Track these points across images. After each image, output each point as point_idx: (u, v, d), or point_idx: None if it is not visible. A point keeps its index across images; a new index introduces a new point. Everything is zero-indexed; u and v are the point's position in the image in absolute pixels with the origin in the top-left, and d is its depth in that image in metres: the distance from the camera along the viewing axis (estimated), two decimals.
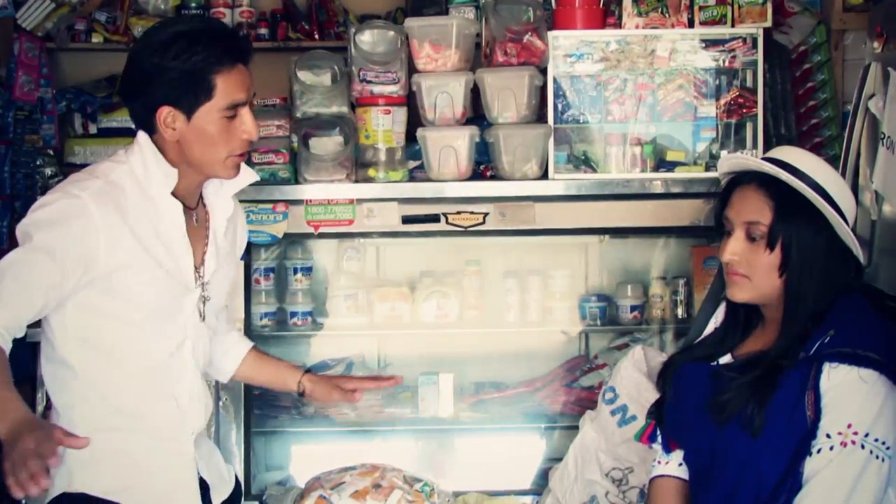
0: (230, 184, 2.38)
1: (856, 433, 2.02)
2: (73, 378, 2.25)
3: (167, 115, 2.21)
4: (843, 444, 2.02)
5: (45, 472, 1.81)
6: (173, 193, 2.27)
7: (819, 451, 2.03)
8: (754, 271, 2.16)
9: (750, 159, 2.23)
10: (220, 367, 2.62)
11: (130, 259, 2.20)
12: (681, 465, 2.37)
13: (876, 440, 2.02)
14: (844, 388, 2.03)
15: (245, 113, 2.25)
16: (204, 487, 2.38)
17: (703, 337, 2.39)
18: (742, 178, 2.22)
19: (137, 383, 2.27)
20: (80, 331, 2.23)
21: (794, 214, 2.13)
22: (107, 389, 2.25)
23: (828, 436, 2.03)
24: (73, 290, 2.16)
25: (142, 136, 2.28)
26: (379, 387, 2.85)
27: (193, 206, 2.35)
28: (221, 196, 2.40)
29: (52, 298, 2.13)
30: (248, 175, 2.41)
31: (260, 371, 2.68)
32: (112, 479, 2.26)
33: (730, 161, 2.27)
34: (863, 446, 2.01)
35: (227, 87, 2.21)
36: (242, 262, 2.63)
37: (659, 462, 2.41)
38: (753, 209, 2.15)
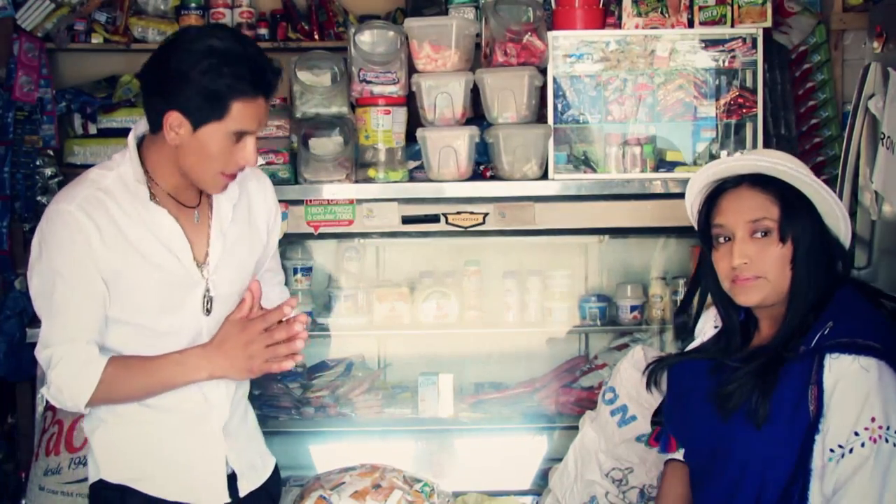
0: None
1: (880, 427, 2.03)
2: None
3: (174, 120, 2.22)
4: (873, 440, 2.02)
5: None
6: (168, 193, 2.31)
7: (851, 450, 2.03)
8: (768, 268, 2.16)
9: (747, 161, 2.23)
10: None
11: (126, 263, 2.25)
12: None
13: None
14: (850, 380, 2.04)
15: (249, 141, 2.27)
16: (232, 476, 2.43)
17: (701, 342, 2.39)
18: (725, 184, 2.23)
19: None
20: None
21: (796, 207, 2.16)
22: None
23: (856, 433, 2.03)
24: None
25: (130, 141, 2.31)
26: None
27: (193, 205, 2.37)
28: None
29: (105, 304, 2.26)
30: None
31: None
32: (137, 469, 2.34)
33: (720, 166, 2.25)
34: (886, 440, 2.03)
35: (241, 114, 2.22)
36: (284, 224, 2.63)
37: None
38: (755, 206, 2.17)
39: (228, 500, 2.41)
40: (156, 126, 2.26)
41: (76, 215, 2.21)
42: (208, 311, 2.36)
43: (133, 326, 2.29)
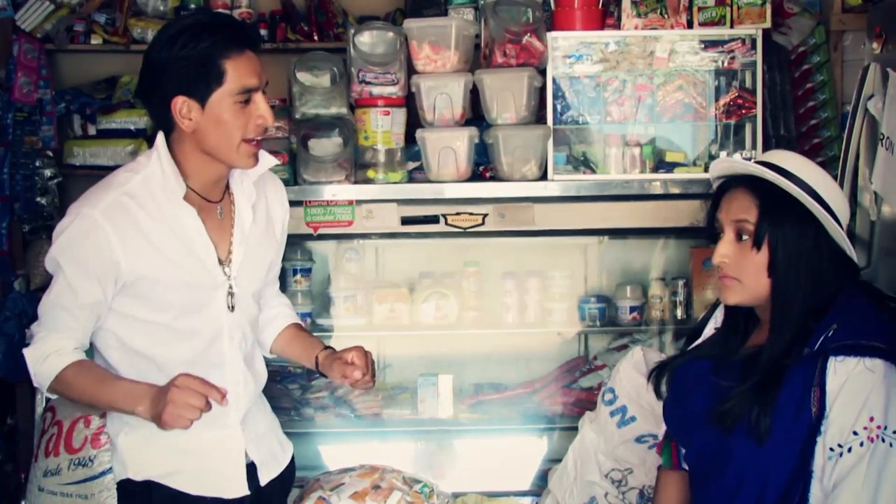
0: (251, 171, 2.42)
1: (878, 426, 2.03)
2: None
3: (182, 106, 2.25)
4: (871, 440, 2.02)
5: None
6: (194, 190, 2.33)
7: (850, 449, 2.04)
8: (743, 272, 2.17)
9: (738, 162, 2.24)
10: (260, 340, 2.66)
11: (150, 267, 2.28)
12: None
13: (894, 432, 2.03)
14: (855, 382, 2.04)
15: (259, 98, 2.29)
16: (252, 466, 2.47)
17: (702, 340, 2.39)
18: (731, 182, 2.23)
19: None
20: (117, 335, 2.35)
21: (780, 214, 2.14)
22: None
23: (854, 433, 2.03)
24: (112, 297, 2.30)
25: (160, 140, 2.33)
26: (363, 381, 2.61)
27: (217, 200, 2.39)
28: (245, 184, 2.44)
29: (102, 310, 2.31)
30: (267, 160, 2.45)
31: (290, 348, 2.70)
32: (162, 466, 2.38)
33: (719, 165, 2.27)
34: (883, 439, 2.03)
35: (237, 72, 2.25)
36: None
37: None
38: (740, 208, 2.17)
39: (248, 492, 2.44)
40: (169, 123, 2.29)
41: (99, 221, 2.23)
42: (232, 308, 2.39)
43: (155, 326, 2.33)
